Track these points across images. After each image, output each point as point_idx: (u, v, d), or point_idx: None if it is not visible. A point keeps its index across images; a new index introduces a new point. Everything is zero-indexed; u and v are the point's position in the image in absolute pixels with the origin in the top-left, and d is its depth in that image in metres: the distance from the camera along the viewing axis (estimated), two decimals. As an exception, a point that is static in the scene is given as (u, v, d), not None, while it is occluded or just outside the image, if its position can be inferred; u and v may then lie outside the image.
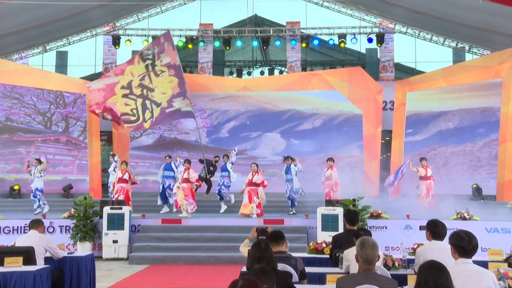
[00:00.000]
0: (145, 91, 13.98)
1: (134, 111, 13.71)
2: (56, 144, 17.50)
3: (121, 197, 12.55)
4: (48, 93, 17.55)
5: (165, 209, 13.97)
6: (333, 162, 13.59)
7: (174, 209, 13.53)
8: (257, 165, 13.05)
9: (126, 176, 13.17)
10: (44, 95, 17.53)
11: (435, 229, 5.14)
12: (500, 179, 15.24)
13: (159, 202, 14.12)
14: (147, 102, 13.83)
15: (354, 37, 19.23)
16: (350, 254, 5.07)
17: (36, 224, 6.81)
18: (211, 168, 14.52)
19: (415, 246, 7.01)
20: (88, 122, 17.59)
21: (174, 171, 14.06)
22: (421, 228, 6.31)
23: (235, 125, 18.45)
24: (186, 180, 12.72)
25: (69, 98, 17.83)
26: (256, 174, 12.78)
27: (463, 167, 16.27)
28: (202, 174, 14.12)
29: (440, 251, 4.85)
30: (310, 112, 18.11)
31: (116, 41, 19.46)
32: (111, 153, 15.16)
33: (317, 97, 18.03)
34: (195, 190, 13.09)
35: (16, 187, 16.27)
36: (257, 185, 12.70)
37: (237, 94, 18.22)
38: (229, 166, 13.96)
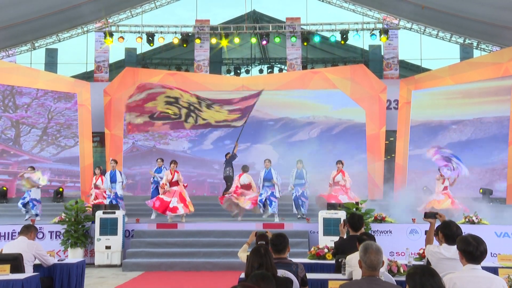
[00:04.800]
0: (192, 107, 12.90)
1: (177, 115, 12.72)
2: None
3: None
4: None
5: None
6: (343, 165, 12.79)
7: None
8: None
9: (99, 182, 12.80)
10: None
11: (448, 232, 4.82)
12: (510, 181, 14.88)
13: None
14: (192, 114, 12.84)
15: (357, 33, 19.00)
16: (353, 260, 4.95)
17: (26, 230, 6.63)
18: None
19: (421, 251, 6.85)
20: (80, 122, 17.02)
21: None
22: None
23: (220, 136, 17.30)
24: (175, 183, 11.98)
25: (21, 100, 16.17)
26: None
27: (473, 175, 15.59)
28: (229, 173, 13.69)
29: (451, 259, 4.58)
30: (305, 120, 17.15)
31: (108, 38, 18.99)
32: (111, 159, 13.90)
33: (318, 97, 17.39)
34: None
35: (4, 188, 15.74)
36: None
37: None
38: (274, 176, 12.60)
